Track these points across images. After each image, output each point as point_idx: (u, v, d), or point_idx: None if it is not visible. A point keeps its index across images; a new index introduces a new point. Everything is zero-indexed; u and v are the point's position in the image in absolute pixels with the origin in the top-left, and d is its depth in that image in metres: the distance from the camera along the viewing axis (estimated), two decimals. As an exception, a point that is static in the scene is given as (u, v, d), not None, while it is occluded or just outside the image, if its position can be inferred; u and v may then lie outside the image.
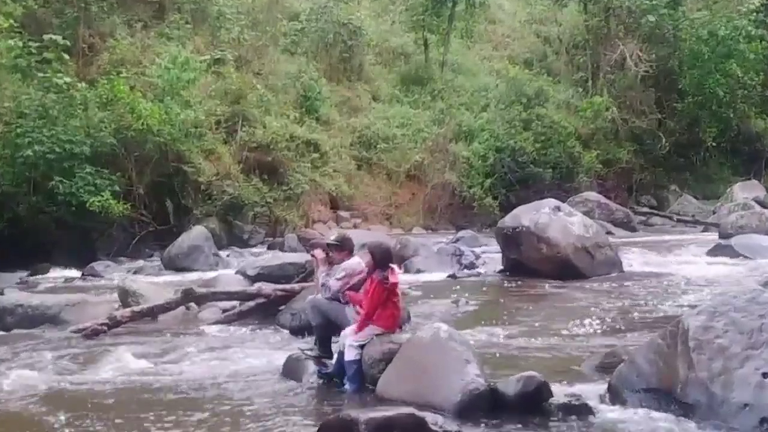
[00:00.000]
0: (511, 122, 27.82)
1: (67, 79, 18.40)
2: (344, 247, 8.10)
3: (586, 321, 10.25)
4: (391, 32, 32.73)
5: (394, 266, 7.46)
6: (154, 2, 24.47)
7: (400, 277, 7.64)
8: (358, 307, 7.54)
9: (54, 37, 18.94)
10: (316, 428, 5.81)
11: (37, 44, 18.66)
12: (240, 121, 22.79)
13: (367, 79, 29.89)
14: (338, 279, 7.79)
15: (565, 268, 14.09)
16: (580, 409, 6.28)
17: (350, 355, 7.21)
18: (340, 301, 7.85)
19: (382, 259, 7.34)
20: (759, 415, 5.81)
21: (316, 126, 25.49)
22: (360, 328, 7.25)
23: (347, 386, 7.21)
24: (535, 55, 34.06)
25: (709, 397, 6.02)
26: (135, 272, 16.02)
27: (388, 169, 26.73)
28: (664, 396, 6.27)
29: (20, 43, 18.41)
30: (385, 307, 7.30)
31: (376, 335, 7.27)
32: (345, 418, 5.62)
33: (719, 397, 5.98)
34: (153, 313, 10.76)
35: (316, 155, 24.43)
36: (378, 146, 26.84)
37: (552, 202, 15.37)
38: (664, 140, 30.56)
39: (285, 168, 23.02)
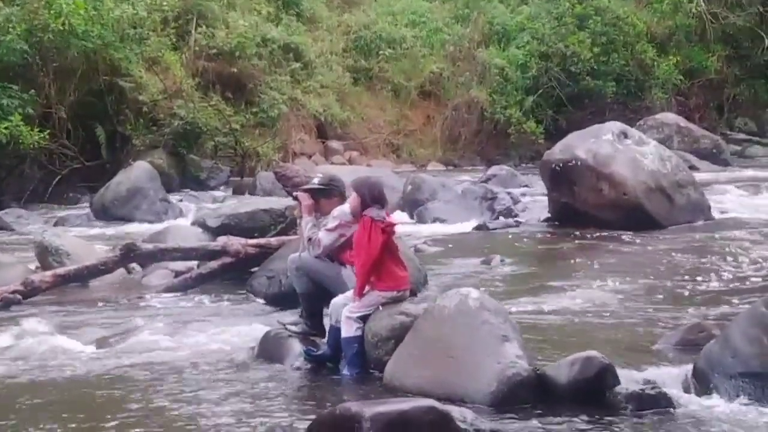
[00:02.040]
0: (560, 19, 27.67)
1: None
2: (332, 192, 8.07)
3: (663, 285, 10.29)
4: None
5: (389, 215, 7.50)
6: None
7: (413, 227, 7.63)
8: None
9: None
10: (306, 426, 5.82)
11: None
12: (195, 20, 22.68)
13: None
14: (329, 230, 7.74)
15: (635, 215, 14.12)
16: (655, 400, 6.28)
17: (348, 331, 7.22)
18: (332, 260, 7.86)
19: (374, 196, 7.37)
20: None
21: (297, 26, 25.39)
22: (360, 293, 7.27)
23: (345, 371, 7.24)
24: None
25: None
26: (57, 223, 16.05)
27: (394, 83, 26.66)
28: (768, 382, 6.29)
29: None
30: (384, 263, 7.31)
31: (382, 304, 7.29)
32: (344, 413, 5.60)
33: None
34: (83, 276, 10.76)
35: (297, 65, 24.36)
36: (381, 53, 26.70)
37: (616, 126, 15.32)
38: (767, 42, 30.31)
39: (255, 83, 23.00)
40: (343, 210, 7.81)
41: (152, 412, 6.50)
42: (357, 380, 7.12)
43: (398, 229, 7.66)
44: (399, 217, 15.80)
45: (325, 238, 7.70)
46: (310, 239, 7.83)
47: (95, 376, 7.45)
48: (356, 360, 7.21)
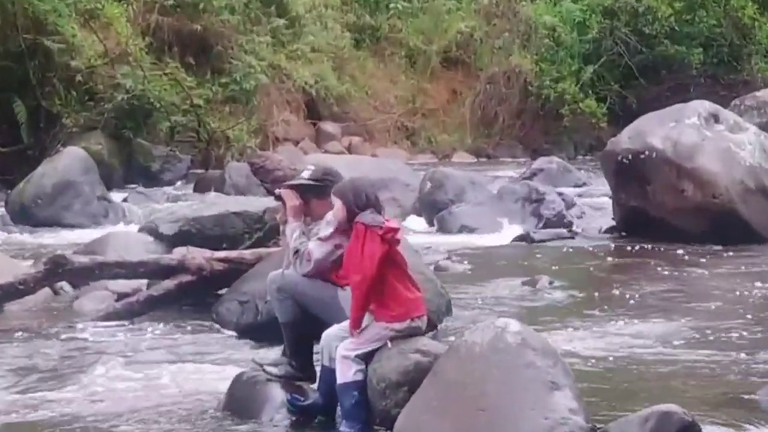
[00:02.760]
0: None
1: None
2: (326, 189, 8.02)
3: (763, 319, 10.28)
4: None
5: (389, 221, 7.46)
6: None
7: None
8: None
9: None
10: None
11: None
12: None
13: None
14: (322, 240, 7.70)
15: (727, 225, 14.15)
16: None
17: (345, 375, 7.19)
18: (325, 280, 7.85)
19: (363, 202, 7.32)
20: None
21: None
22: (356, 324, 7.22)
23: (342, 428, 7.24)
24: None
25: None
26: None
27: (409, 47, 26.74)
28: None
29: None
30: (387, 283, 7.28)
31: (390, 339, 7.30)
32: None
33: None
34: (-5, 299, 10.80)
35: (280, 22, 24.43)
36: (392, 6, 26.78)
37: (704, 106, 15.32)
38: None
39: (225, 45, 23.03)
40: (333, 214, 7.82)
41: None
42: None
43: (402, 236, 7.62)
44: (414, 223, 15.92)
45: (316, 250, 7.63)
46: (297, 251, 7.77)
47: None
48: (357, 413, 7.14)
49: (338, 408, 7.27)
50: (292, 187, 8.08)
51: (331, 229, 7.55)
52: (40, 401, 8.13)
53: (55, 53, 20.38)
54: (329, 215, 7.68)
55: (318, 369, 7.63)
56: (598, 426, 6.53)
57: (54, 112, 20.47)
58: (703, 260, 13.37)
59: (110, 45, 21.27)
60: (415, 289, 7.43)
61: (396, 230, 7.23)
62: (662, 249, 13.88)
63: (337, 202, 7.32)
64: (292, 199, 7.85)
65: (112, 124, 20.63)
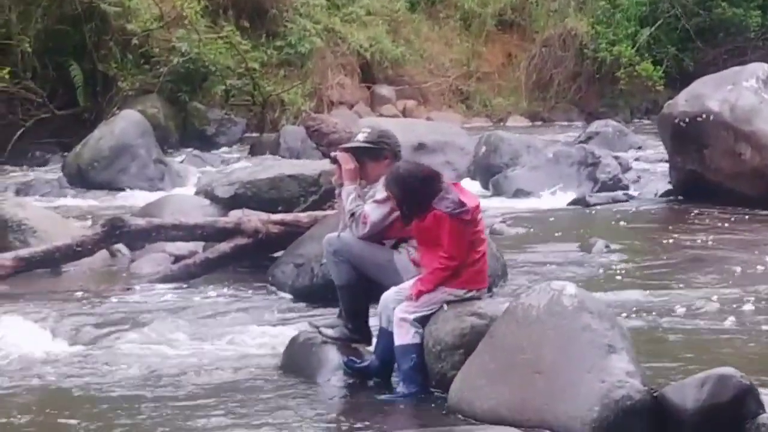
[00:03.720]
0: None
1: None
2: (382, 152, 7.99)
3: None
4: None
5: (464, 191, 7.42)
6: None
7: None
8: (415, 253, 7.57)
9: None
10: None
11: None
12: None
13: None
14: (379, 202, 7.67)
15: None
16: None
17: (403, 337, 7.20)
18: (382, 243, 7.85)
19: (419, 195, 7.24)
20: None
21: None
22: (420, 294, 7.21)
23: (399, 389, 7.24)
24: None
25: None
26: (20, 191, 16.19)
27: (464, 10, 26.65)
28: None
29: None
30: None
31: (447, 302, 7.30)
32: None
33: None
34: (53, 260, 10.87)
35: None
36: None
37: (763, 69, 15.20)
38: None
39: (280, 8, 23.03)
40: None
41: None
42: (414, 402, 7.10)
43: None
44: (469, 186, 15.86)
45: (373, 213, 7.61)
46: (353, 214, 7.75)
47: (71, 390, 7.50)
48: (414, 375, 7.16)
49: (395, 370, 7.29)
50: (347, 150, 8.05)
51: (386, 192, 7.53)
52: (97, 359, 8.21)
53: (111, 16, 20.44)
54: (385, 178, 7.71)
55: (375, 331, 7.66)
56: (655, 390, 6.51)
57: (110, 76, 20.54)
58: (761, 226, 13.26)
59: (166, 8, 21.31)
60: (485, 263, 7.46)
61: (478, 208, 7.25)
62: (720, 213, 13.79)
63: (390, 194, 7.31)
64: (348, 162, 7.82)
65: (167, 87, 20.70)
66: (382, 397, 7.29)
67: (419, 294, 7.14)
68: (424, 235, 7.28)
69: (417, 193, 7.23)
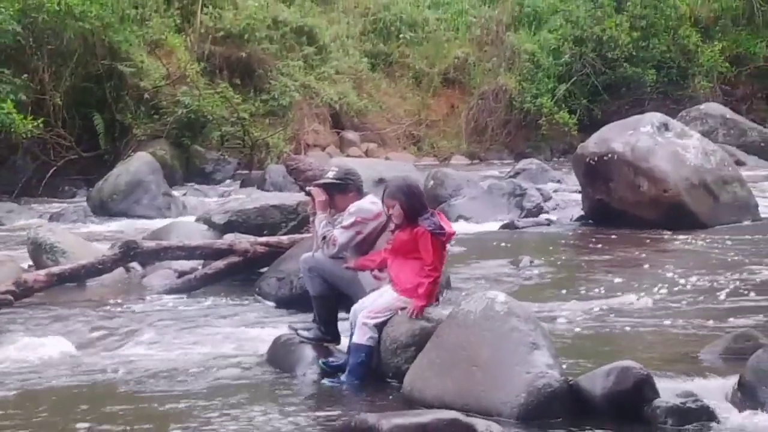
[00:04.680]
0: (596, 1, 27.58)
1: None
2: (348, 186, 8.03)
3: (706, 289, 10.29)
4: None
5: (442, 217, 7.47)
6: None
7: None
8: (377, 271, 7.58)
9: None
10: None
11: None
12: (200, 0, 22.71)
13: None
14: (345, 227, 7.71)
15: (676, 214, 14.11)
16: (697, 415, 6.26)
17: (360, 337, 7.18)
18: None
19: (416, 203, 7.30)
20: None
21: (310, 6, 25.48)
22: (426, 300, 7.21)
23: (343, 377, 7.24)
24: None
25: None
26: (52, 218, 16.10)
27: (415, 70, 26.72)
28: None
29: None
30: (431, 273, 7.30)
31: (402, 308, 7.28)
32: (360, 426, 5.63)
33: None
34: (79, 276, 10.78)
35: (310, 50, 24.43)
36: (401, 36, 26.75)
37: (656, 117, 15.32)
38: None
39: (266, 68, 23.08)
40: (360, 206, 7.81)
41: (152, 422, 6.52)
42: (373, 389, 7.09)
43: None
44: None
45: (341, 236, 7.67)
46: (324, 237, 7.78)
47: (93, 385, 7.46)
48: (358, 370, 7.18)
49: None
50: (319, 185, 8.09)
51: (352, 219, 7.71)
52: (112, 358, 8.17)
53: (127, 76, 20.38)
54: (351, 207, 7.79)
55: (341, 332, 7.71)
56: (570, 379, 6.52)
57: (126, 124, 20.47)
58: (657, 243, 13.36)
59: (172, 69, 21.27)
60: (438, 283, 7.52)
61: (452, 236, 7.36)
62: (623, 235, 13.85)
63: (395, 204, 7.27)
64: (320, 195, 7.92)
65: (173, 133, 20.64)
66: (326, 381, 7.33)
67: (422, 309, 7.17)
68: (402, 246, 7.30)
69: (417, 198, 7.34)
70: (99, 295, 10.61)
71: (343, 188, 7.99)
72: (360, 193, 8.02)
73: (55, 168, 19.49)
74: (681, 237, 13.43)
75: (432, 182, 16.66)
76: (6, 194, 18.17)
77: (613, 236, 13.83)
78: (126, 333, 8.99)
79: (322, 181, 8.16)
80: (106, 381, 7.52)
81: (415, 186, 7.67)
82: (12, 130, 17.71)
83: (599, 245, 13.46)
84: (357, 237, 7.69)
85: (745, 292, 10.21)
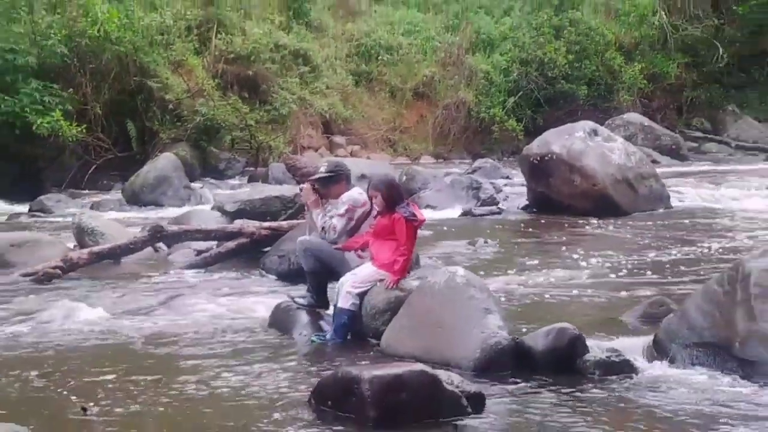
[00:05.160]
0: (539, 29, 27.61)
1: (7, -24, 18.27)
2: (339, 177, 8.01)
3: (627, 265, 10.33)
4: None
5: (415, 206, 7.51)
6: None
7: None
8: (360, 251, 7.59)
9: None
10: (311, 388, 5.83)
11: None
12: (215, 27, 22.63)
13: (367, -24, 29.60)
14: (341, 215, 7.68)
15: (603, 204, 14.15)
16: (620, 367, 6.32)
17: (344, 303, 7.21)
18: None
19: (394, 194, 7.33)
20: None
21: (305, 33, 25.34)
22: (400, 274, 7.23)
23: (328, 335, 7.27)
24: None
25: (773, 354, 6.06)
26: (92, 207, 16.03)
27: (391, 85, 26.61)
28: (720, 352, 6.29)
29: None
30: (405, 251, 7.30)
31: (380, 281, 7.29)
32: (345, 376, 5.61)
33: (785, 354, 6.02)
34: (115, 254, 10.76)
35: (305, 69, 24.33)
36: (380, 58, 26.67)
37: (587, 124, 15.35)
38: (721, 51, 30.35)
39: (269, 84, 22.94)
40: (351, 196, 7.80)
41: (169, 373, 6.51)
42: (356, 347, 7.09)
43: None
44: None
45: (338, 223, 7.67)
46: (323, 228, 7.78)
47: (122, 343, 7.46)
48: (341, 330, 7.22)
49: (350, 331, 7.31)
50: (316, 179, 8.05)
51: (345, 207, 7.72)
52: (141, 321, 8.14)
53: (155, 90, 20.27)
54: (344, 197, 7.80)
55: (331, 301, 7.65)
56: (516, 338, 6.53)
57: (154, 130, 20.35)
58: (587, 227, 13.41)
59: (191, 84, 21.15)
60: (411, 260, 7.53)
61: (423, 221, 7.40)
62: (559, 221, 13.91)
63: (377, 195, 7.29)
64: (310, 197, 7.93)
65: (192, 137, 20.52)
66: (314, 337, 7.35)
67: (397, 281, 7.19)
68: (382, 229, 7.33)
69: (395, 190, 7.37)
70: (131, 270, 10.57)
71: (336, 179, 7.96)
72: (348, 182, 8.01)
73: (95, 166, 19.37)
74: (606, 223, 13.48)
75: (405, 177, 16.64)
76: (55, 187, 18.06)
77: (552, 222, 13.87)
78: (152, 300, 8.96)
79: (316, 176, 8.10)
80: (133, 340, 7.51)
81: (394, 180, 7.75)
82: (60, 134, 17.64)
83: (540, 229, 13.50)
84: (350, 222, 7.69)
85: (658, 266, 10.28)
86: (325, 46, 25.86)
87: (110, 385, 6.24)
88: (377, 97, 26.51)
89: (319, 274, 7.83)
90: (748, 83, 31.77)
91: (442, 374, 5.62)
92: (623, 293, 8.82)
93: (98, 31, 18.77)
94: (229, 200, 13.26)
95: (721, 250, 11.12)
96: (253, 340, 7.45)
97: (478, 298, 6.67)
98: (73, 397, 5.95)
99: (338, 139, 24.94)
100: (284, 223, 11.06)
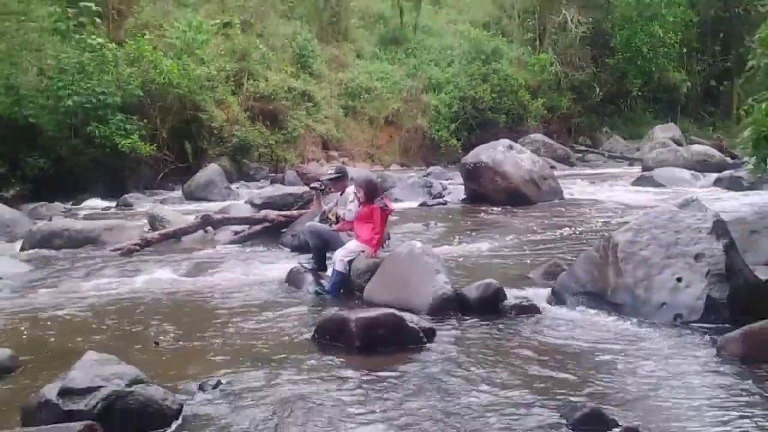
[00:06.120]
0: (471, 76, 27.57)
1: (100, 40, 18.04)
2: (344, 177, 8.09)
3: (533, 238, 10.37)
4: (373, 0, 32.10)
5: (388, 199, 7.50)
6: (171, -26, 23.86)
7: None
8: (352, 233, 7.58)
9: (87, 3, 18.63)
10: (314, 325, 5.84)
11: (73, 10, 18.45)
12: (246, 76, 22.44)
13: (352, 40, 29.40)
14: (352, 201, 7.65)
15: (516, 197, 14.16)
16: (529, 309, 6.37)
17: (339, 267, 7.25)
18: (331, 225, 7.82)
19: (372, 190, 7.35)
20: (673, 312, 5.94)
21: (309, 79, 25.15)
22: (376, 247, 7.22)
23: (327, 287, 7.25)
24: (492, 18, 33.53)
25: (633, 298, 6.13)
26: (161, 202, 15.92)
27: (369, 116, 26.49)
28: (597, 298, 6.37)
29: (59, 9, 18.22)
30: (379, 231, 7.30)
31: (362, 251, 7.29)
32: (338, 318, 5.64)
33: (642, 298, 6.09)
34: (177, 235, 10.70)
35: (309, 104, 24.18)
36: (361, 96, 26.55)
37: (506, 142, 15.35)
38: (598, 90, 30.58)
39: (284, 115, 22.79)
40: (352, 189, 7.69)
41: (215, 315, 6.51)
42: (346, 298, 7.09)
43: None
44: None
45: (354, 208, 7.52)
46: (338, 217, 7.73)
47: (184, 294, 7.44)
48: (336, 287, 7.21)
49: (341, 288, 7.29)
50: (327, 179, 8.08)
51: (352, 197, 7.59)
52: (194, 282, 8.10)
53: (204, 120, 20.08)
54: (349, 190, 7.74)
55: (329, 268, 7.64)
56: (457, 290, 6.53)
57: (203, 148, 20.17)
58: (506, 213, 13.40)
59: (230, 116, 20.96)
60: (383, 238, 7.51)
61: (393, 210, 7.42)
62: (487, 208, 13.91)
63: (359, 189, 7.29)
64: (317, 200, 8.27)
65: (230, 153, 20.38)
66: (317, 288, 7.32)
67: (374, 252, 7.18)
68: (363, 215, 7.37)
69: (374, 187, 7.35)
70: (188, 246, 10.50)
71: (342, 178, 8.04)
72: (347, 179, 8.05)
73: (162, 173, 19.14)
74: (519, 210, 13.51)
75: (380, 179, 16.55)
76: (135, 189, 17.89)
77: (481, 210, 13.88)
78: (203, 267, 8.90)
79: (328, 176, 8.17)
80: (191, 294, 7.48)
81: (373, 180, 7.72)
82: (138, 151, 17.49)
83: (473, 215, 13.50)
84: (358, 204, 7.48)
85: (556, 239, 10.33)
86: (323, 88, 25.64)
87: (174, 324, 6.24)
88: (360, 124, 26.37)
89: (320, 248, 7.83)
90: (616, 112, 31.99)
91: (406, 315, 5.66)
92: (530, 258, 8.85)
93: (164, 79, 18.58)
94: (257, 196, 13.15)
95: (597, 227, 11.20)
96: (273, 293, 7.44)
97: (430, 262, 6.70)
98: (158, 334, 5.96)
99: (333, 153, 24.75)
100: (295, 212, 11.01)
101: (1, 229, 11.31)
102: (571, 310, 6.39)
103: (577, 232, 10.87)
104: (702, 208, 6.56)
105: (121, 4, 21.77)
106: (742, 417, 4.16)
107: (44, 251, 10.05)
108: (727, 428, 4.04)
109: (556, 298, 6.66)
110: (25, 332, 6.10)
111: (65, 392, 4.04)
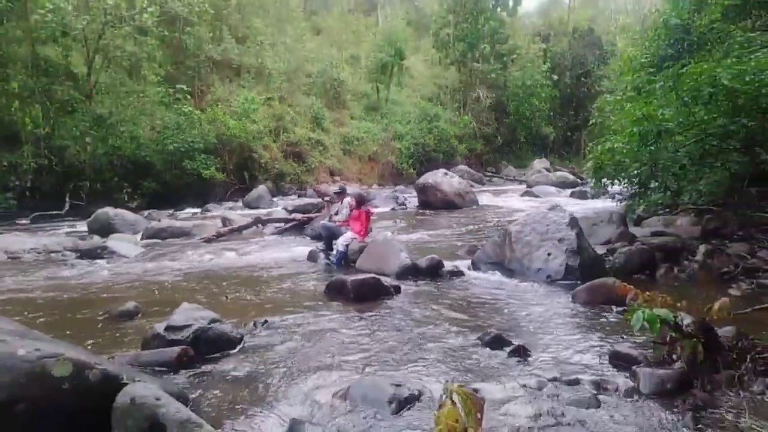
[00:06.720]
0: (422, 130, 27.57)
1: (190, 108, 17.87)
2: (344, 193, 8.04)
3: (459, 230, 10.36)
4: (360, 83, 31.94)
5: (370, 207, 7.45)
6: (235, 68, 23.54)
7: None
8: (348, 227, 7.50)
9: (182, 86, 18.41)
10: (325, 285, 5.81)
11: (172, 89, 18.16)
12: (281, 130, 22.23)
13: (347, 108, 29.22)
14: (345, 209, 7.57)
15: (449, 204, 14.18)
16: (457, 273, 6.39)
17: (341, 248, 7.19)
18: (335, 223, 7.75)
19: (361, 200, 7.32)
20: (546, 274, 6.01)
21: (321, 132, 24.96)
22: (364, 236, 7.16)
23: (333, 260, 7.16)
24: (433, 94, 33.56)
25: (521, 266, 6.19)
26: (229, 209, 15.69)
27: (359, 154, 26.33)
28: (499, 266, 6.41)
29: (163, 89, 18.00)
30: (365, 226, 7.26)
31: (354, 239, 7.25)
32: (340, 280, 5.63)
33: (526, 265, 6.15)
34: (239, 229, 10.54)
35: (321, 148, 23.97)
36: (354, 143, 26.42)
37: (442, 170, 15.38)
38: (499, 138, 30.80)
39: (306, 155, 22.61)
40: (348, 201, 7.65)
41: (259, 280, 6.43)
42: (346, 268, 6.99)
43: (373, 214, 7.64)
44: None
45: (345, 214, 7.44)
46: (337, 218, 7.65)
47: (243, 266, 7.31)
48: (339, 261, 7.07)
49: (342, 260, 7.18)
50: (333, 193, 7.98)
51: (346, 207, 7.50)
52: (250, 258, 7.93)
53: (256, 158, 19.81)
54: (345, 200, 7.61)
55: (335, 250, 7.55)
56: (414, 262, 6.51)
57: (255, 175, 19.92)
58: (444, 215, 13.26)
59: (272, 156, 20.69)
60: (368, 230, 7.38)
61: (373, 213, 7.35)
62: (432, 213, 13.88)
63: (352, 200, 7.24)
64: (327, 207, 7.87)
65: (273, 178, 20.20)
66: (327, 260, 7.18)
67: (363, 239, 7.05)
68: (356, 217, 7.28)
69: (362, 197, 7.35)
70: (247, 236, 10.30)
71: (341, 193, 7.94)
72: (346, 194, 7.93)
73: (230, 192, 18.90)
74: (451, 213, 13.49)
75: (366, 193, 16.07)
76: (213, 201, 17.55)
77: (429, 213, 13.84)
78: (255, 249, 8.74)
79: (334, 191, 8.07)
80: (246, 266, 7.34)
81: (362, 194, 7.69)
82: (214, 178, 17.29)
83: (423, 216, 13.46)
84: (351, 211, 7.40)
85: (475, 230, 10.27)
86: (330, 138, 25.43)
87: (237, 285, 6.18)
88: (353, 160, 26.21)
89: (329, 237, 7.72)
90: (511, 152, 32.22)
91: (382, 278, 5.66)
92: (458, 242, 8.81)
93: (230, 132, 18.39)
94: (289, 205, 13.08)
95: (499, 223, 11.23)
96: (300, 265, 7.34)
97: (397, 245, 6.70)
98: (227, 291, 5.88)
99: (336, 178, 24.56)
100: (313, 215, 10.91)
101: (129, 226, 11.12)
102: (484, 273, 6.42)
103: (487, 226, 10.89)
104: (563, 210, 6.66)
105: (203, 86, 21.51)
106: (583, 336, 4.24)
107: (156, 240, 9.89)
108: (574, 340, 4.12)
109: (474, 267, 6.70)
110: (144, 290, 6.02)
111: (169, 328, 4.03)
